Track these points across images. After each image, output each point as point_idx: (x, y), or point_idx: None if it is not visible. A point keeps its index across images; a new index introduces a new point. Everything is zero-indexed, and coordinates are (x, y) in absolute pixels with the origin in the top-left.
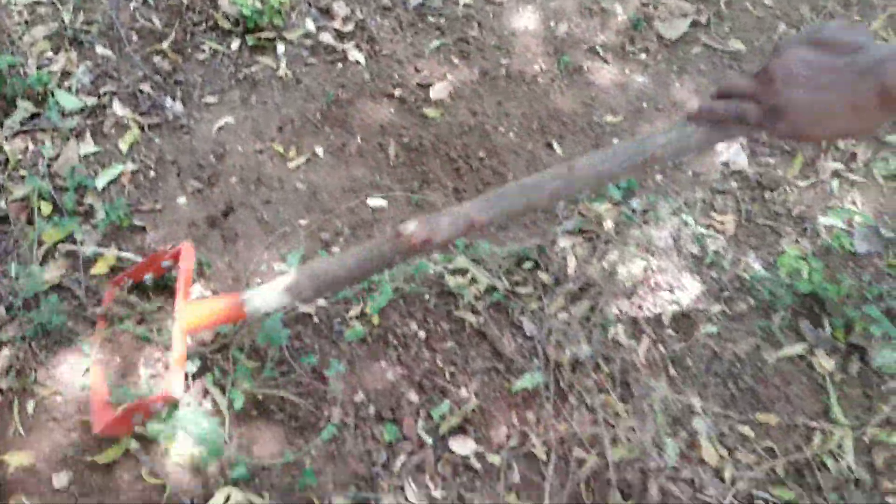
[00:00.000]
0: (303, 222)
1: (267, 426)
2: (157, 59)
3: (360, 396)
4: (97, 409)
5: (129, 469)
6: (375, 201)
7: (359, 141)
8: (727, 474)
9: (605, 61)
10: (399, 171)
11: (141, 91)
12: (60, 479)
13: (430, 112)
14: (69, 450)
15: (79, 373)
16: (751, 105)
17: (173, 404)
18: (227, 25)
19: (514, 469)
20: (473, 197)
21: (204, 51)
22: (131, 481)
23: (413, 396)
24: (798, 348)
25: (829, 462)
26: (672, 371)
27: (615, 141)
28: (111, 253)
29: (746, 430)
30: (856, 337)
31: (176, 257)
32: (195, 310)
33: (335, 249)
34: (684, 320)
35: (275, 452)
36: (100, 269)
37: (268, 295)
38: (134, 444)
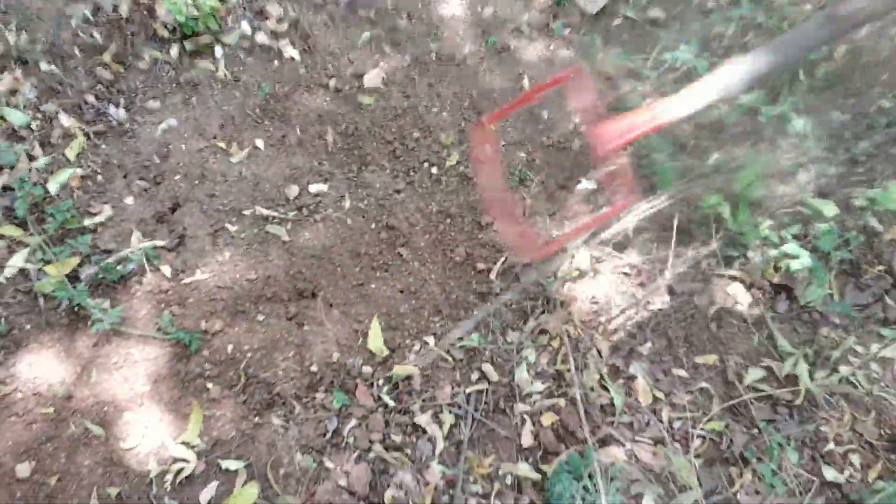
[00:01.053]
0: (247, 212)
1: None
2: (99, 70)
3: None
4: (522, 236)
5: (90, 454)
6: (317, 186)
7: (297, 132)
8: (665, 415)
9: (531, 39)
10: (338, 157)
11: (85, 101)
12: (23, 469)
13: (365, 99)
14: (31, 441)
15: (36, 371)
16: None
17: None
18: (165, 33)
19: (465, 425)
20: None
21: (144, 59)
22: (92, 466)
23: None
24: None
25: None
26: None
27: (544, 113)
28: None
29: (682, 372)
30: (781, 276)
31: (560, 82)
32: (611, 130)
33: (283, 234)
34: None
35: None
36: (53, 270)
37: (691, 98)
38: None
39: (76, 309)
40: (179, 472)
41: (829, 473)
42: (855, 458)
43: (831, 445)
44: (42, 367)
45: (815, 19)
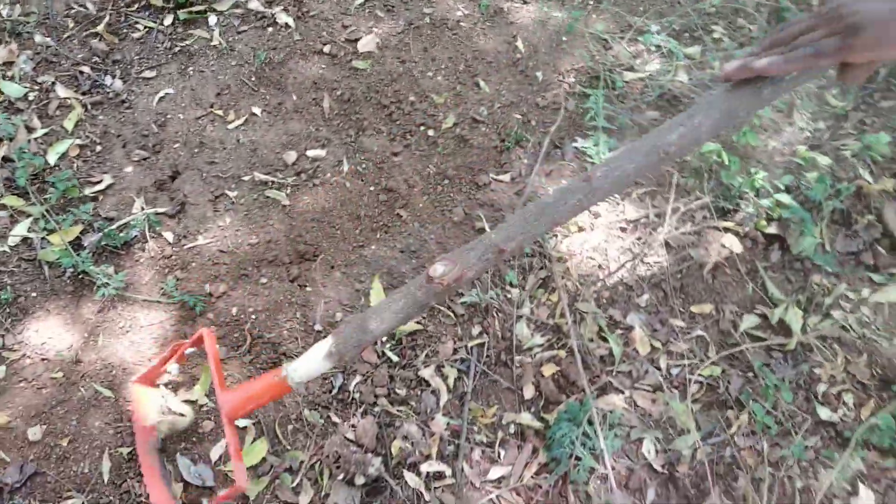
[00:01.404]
0: (246, 178)
1: None
2: (94, 41)
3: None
4: None
5: (100, 415)
6: (315, 152)
7: (294, 98)
8: (662, 363)
9: (524, 1)
10: (335, 123)
11: (81, 72)
12: (35, 433)
13: (360, 64)
14: (41, 406)
15: (43, 337)
16: (820, 36)
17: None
18: (158, 3)
19: (469, 377)
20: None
21: (139, 29)
22: (103, 427)
23: None
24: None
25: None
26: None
27: (538, 74)
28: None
29: (679, 321)
30: (774, 227)
31: (197, 344)
32: (238, 396)
33: (283, 199)
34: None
35: None
36: (56, 239)
37: (310, 365)
38: None
39: (80, 276)
40: None
41: (824, 413)
42: (848, 398)
43: (825, 386)
44: (49, 334)
45: (407, 286)
